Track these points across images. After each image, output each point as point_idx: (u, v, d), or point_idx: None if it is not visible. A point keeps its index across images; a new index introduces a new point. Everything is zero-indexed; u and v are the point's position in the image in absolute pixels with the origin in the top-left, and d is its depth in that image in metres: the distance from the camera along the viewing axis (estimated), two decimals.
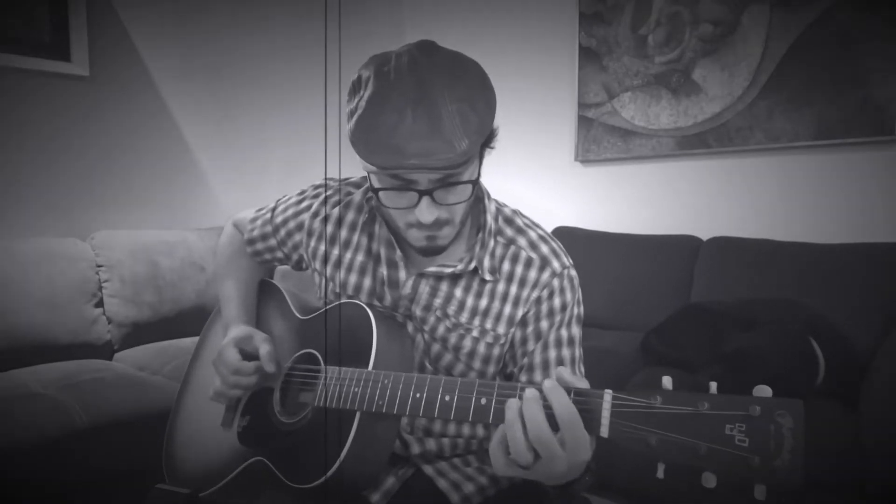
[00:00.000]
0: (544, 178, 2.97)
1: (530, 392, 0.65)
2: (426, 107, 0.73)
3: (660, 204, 2.64)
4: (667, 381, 0.62)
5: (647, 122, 2.61)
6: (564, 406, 0.63)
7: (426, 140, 0.73)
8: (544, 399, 0.65)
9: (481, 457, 0.98)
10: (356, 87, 0.80)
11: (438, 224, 0.82)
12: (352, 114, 0.78)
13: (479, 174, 0.84)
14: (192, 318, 2.31)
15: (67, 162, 2.34)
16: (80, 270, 2.10)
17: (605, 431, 0.63)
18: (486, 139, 0.83)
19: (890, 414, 1.44)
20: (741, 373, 1.59)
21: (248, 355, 0.98)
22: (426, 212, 0.78)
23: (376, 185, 0.81)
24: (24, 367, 1.86)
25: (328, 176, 1.08)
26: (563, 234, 2.69)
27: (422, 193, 0.78)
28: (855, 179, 2.18)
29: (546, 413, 0.64)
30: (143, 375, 1.88)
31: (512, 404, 0.66)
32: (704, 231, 2.43)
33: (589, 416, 0.64)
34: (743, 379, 1.55)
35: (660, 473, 0.60)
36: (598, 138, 2.75)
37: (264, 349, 0.96)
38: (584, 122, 2.79)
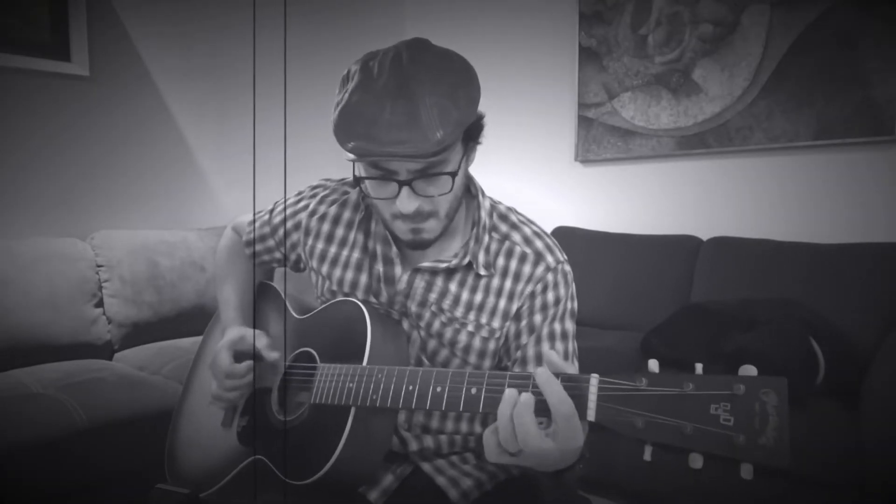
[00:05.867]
0: (544, 178, 2.97)
1: (525, 398, 0.65)
2: (404, 99, 0.76)
3: (660, 204, 2.64)
4: (653, 364, 0.63)
5: (647, 122, 2.61)
6: (561, 399, 0.64)
7: (401, 130, 0.75)
8: (537, 391, 0.65)
9: (479, 453, 0.98)
10: (344, 81, 0.83)
11: (421, 216, 0.83)
12: (337, 105, 0.81)
13: (461, 167, 0.84)
14: (192, 318, 2.31)
15: (67, 162, 2.34)
16: (80, 270, 2.10)
17: (591, 415, 0.63)
18: (471, 133, 0.84)
19: (890, 414, 1.44)
20: None
21: (244, 356, 0.98)
22: (406, 202, 0.80)
23: (360, 174, 0.83)
24: (24, 367, 1.86)
25: (326, 177, 1.09)
26: (563, 234, 2.69)
27: (401, 184, 0.80)
28: (855, 179, 2.18)
29: (537, 402, 0.65)
30: (143, 375, 1.88)
31: (507, 398, 0.66)
32: (704, 231, 2.43)
33: (576, 400, 0.64)
34: None
35: (647, 456, 0.60)
36: (598, 138, 2.75)
37: (261, 342, 0.96)
38: (584, 122, 2.79)
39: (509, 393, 0.67)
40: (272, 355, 0.95)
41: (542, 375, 0.65)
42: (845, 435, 1.50)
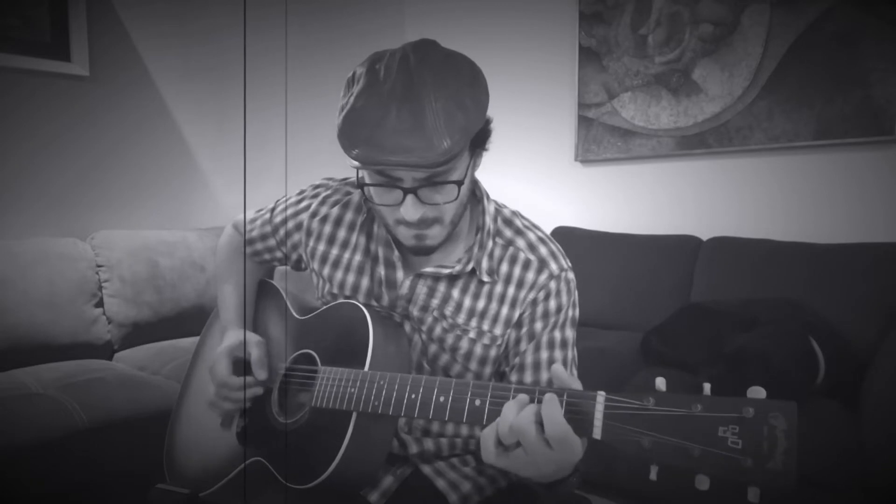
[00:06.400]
0: (544, 179, 2.97)
1: (531, 408, 0.65)
2: (411, 104, 0.74)
3: (660, 204, 2.64)
4: (660, 383, 0.62)
5: (647, 122, 2.61)
6: (554, 423, 0.63)
7: (406, 137, 0.73)
8: (538, 415, 0.64)
9: (479, 456, 0.98)
10: (349, 83, 0.81)
11: (426, 223, 0.82)
12: (342, 109, 0.79)
13: (468, 174, 0.82)
14: (192, 318, 2.31)
15: (67, 162, 2.34)
16: (79, 270, 2.10)
17: (597, 433, 0.62)
18: (478, 139, 0.82)
19: (890, 414, 1.44)
20: (741, 373, 1.59)
21: (242, 362, 0.98)
22: (411, 210, 0.79)
23: (364, 180, 0.82)
24: (24, 367, 1.85)
25: (329, 176, 1.08)
26: (563, 234, 2.69)
27: (406, 191, 0.78)
28: (855, 179, 2.18)
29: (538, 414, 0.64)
30: (143, 375, 1.87)
31: (518, 400, 0.66)
32: (704, 231, 2.43)
33: (582, 417, 0.63)
34: (743, 379, 1.55)
35: (653, 475, 0.60)
36: (598, 138, 2.75)
37: (255, 355, 0.96)
38: (584, 122, 2.79)
39: (520, 398, 0.67)
40: (261, 373, 0.96)
41: (547, 396, 0.65)
42: (845, 435, 1.50)
